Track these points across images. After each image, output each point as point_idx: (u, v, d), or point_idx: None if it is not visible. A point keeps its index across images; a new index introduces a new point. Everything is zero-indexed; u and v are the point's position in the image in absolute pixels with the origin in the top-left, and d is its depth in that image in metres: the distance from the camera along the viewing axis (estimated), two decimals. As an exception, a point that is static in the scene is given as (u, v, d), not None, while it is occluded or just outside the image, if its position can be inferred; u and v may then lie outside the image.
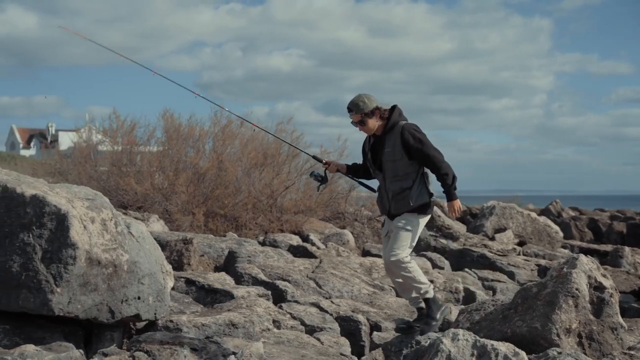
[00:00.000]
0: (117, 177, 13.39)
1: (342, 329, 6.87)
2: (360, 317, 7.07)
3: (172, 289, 6.93)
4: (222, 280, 7.74)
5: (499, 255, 12.62)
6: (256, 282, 8.08)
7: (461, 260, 12.24)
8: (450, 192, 5.35)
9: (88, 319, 5.65)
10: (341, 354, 5.95)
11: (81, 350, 5.28)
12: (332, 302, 7.56)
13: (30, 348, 4.97)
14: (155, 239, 6.81)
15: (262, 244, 10.82)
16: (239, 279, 8.15)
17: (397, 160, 5.30)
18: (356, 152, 18.11)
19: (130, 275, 5.82)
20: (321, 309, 7.25)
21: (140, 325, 6.25)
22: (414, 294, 5.44)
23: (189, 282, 7.54)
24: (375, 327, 7.15)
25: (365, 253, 11.90)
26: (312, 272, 8.75)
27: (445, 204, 5.83)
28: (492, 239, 14.89)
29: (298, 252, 10.31)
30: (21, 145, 65.68)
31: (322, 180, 5.81)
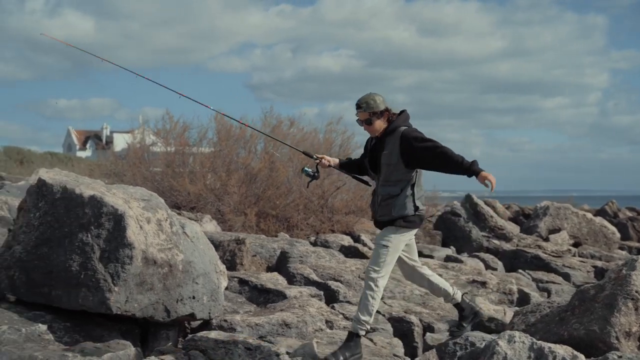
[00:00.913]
0: (171, 178, 13.59)
1: (395, 329, 6.85)
2: (413, 318, 7.03)
3: (226, 288, 7.00)
4: (274, 280, 7.79)
5: (554, 256, 12.41)
6: (308, 282, 8.11)
7: (515, 261, 12.07)
8: (473, 169, 4.94)
9: (144, 318, 5.75)
10: (394, 355, 5.92)
11: (138, 348, 5.38)
12: (384, 302, 7.53)
13: (89, 345, 5.08)
14: (208, 239, 6.89)
15: (314, 244, 10.85)
16: (291, 279, 8.19)
17: (392, 164, 5.13)
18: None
19: (185, 275, 5.90)
20: (373, 310, 7.23)
21: (194, 324, 6.34)
22: (357, 316, 5.28)
23: (242, 282, 7.61)
24: (428, 328, 7.10)
25: (417, 254, 11.81)
26: (364, 272, 8.73)
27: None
28: (546, 239, 14.65)
29: (349, 252, 10.31)
30: (77, 147, 67.18)
31: (314, 176, 5.69)
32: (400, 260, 5.43)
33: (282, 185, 13.42)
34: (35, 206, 5.80)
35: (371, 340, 6.24)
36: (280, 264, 9.01)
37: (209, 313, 6.10)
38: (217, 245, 8.33)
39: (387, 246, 5.15)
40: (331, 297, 7.68)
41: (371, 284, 5.17)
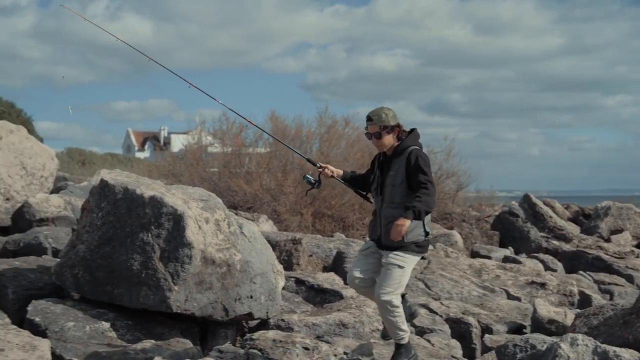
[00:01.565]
0: (227, 179, 13.73)
1: (453, 331, 6.78)
2: (471, 319, 6.95)
3: (283, 288, 7.04)
4: (331, 281, 7.80)
5: (616, 257, 12.09)
6: (364, 282, 8.08)
7: (575, 262, 11.81)
8: (408, 209, 4.67)
9: (203, 317, 5.83)
10: (452, 357, 5.86)
11: (198, 347, 5.45)
12: (441, 303, 7.47)
13: (151, 343, 5.17)
14: (265, 238, 6.94)
15: (370, 244, 10.81)
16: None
17: (397, 184, 4.86)
18: (463, 151, 17.82)
19: (243, 274, 5.96)
20: (431, 310, 7.18)
21: (252, 323, 6.39)
22: (392, 333, 5.06)
23: (299, 281, 7.64)
24: (486, 329, 7.01)
25: (474, 254, 11.68)
26: (421, 272, 8.68)
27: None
28: (608, 240, 14.29)
29: (406, 252, 10.24)
30: (136, 148, 68.43)
31: (315, 184, 5.33)
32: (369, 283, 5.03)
33: (338, 186, 13.41)
34: (98, 206, 5.94)
35: (429, 341, 6.20)
36: (337, 264, 9.02)
37: (267, 312, 6.15)
38: (273, 245, 8.38)
39: (402, 267, 4.84)
40: (388, 298, 7.64)
41: (387, 306, 4.85)
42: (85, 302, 5.87)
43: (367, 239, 5.16)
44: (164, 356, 4.94)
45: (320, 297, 7.41)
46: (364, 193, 5.32)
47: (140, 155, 60.93)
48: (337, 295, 7.31)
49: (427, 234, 4.91)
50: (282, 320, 6.20)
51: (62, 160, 24.96)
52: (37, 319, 5.39)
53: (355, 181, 5.37)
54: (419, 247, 4.89)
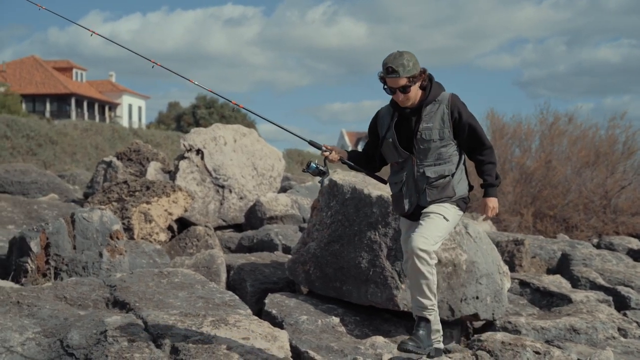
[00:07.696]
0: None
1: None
2: None
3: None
4: (557, 283, 7.52)
5: None
6: (594, 286, 7.70)
7: None
8: (493, 187, 4.15)
9: (429, 316, 5.86)
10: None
11: (425, 345, 5.48)
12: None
13: (379, 339, 5.30)
14: (489, 239, 6.83)
15: (597, 246, 10.27)
16: (575, 283, 7.84)
17: (440, 139, 4.10)
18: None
19: (469, 274, 5.92)
20: (671, 319, 6.67)
21: (477, 324, 6.33)
22: (417, 301, 4.19)
23: (523, 283, 7.44)
24: None
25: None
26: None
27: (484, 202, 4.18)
28: None
29: (639, 256, 9.60)
30: (350, 148, 70.44)
31: (322, 173, 4.47)
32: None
33: (560, 185, 12.89)
34: (327, 205, 6.20)
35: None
36: (562, 266, 8.67)
37: (492, 314, 6.06)
38: (494, 245, 8.24)
39: (447, 219, 4.08)
40: (621, 304, 7.22)
41: (425, 256, 4.00)
42: (315, 297, 6.15)
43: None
44: (393, 353, 5.04)
45: (546, 300, 7.17)
46: (377, 175, 4.54)
47: (354, 155, 62.40)
48: (564, 299, 7.03)
49: (471, 187, 4.27)
50: (509, 322, 6.08)
51: (283, 161, 26.29)
52: (274, 312, 5.74)
53: (360, 161, 4.52)
54: (464, 203, 4.22)
